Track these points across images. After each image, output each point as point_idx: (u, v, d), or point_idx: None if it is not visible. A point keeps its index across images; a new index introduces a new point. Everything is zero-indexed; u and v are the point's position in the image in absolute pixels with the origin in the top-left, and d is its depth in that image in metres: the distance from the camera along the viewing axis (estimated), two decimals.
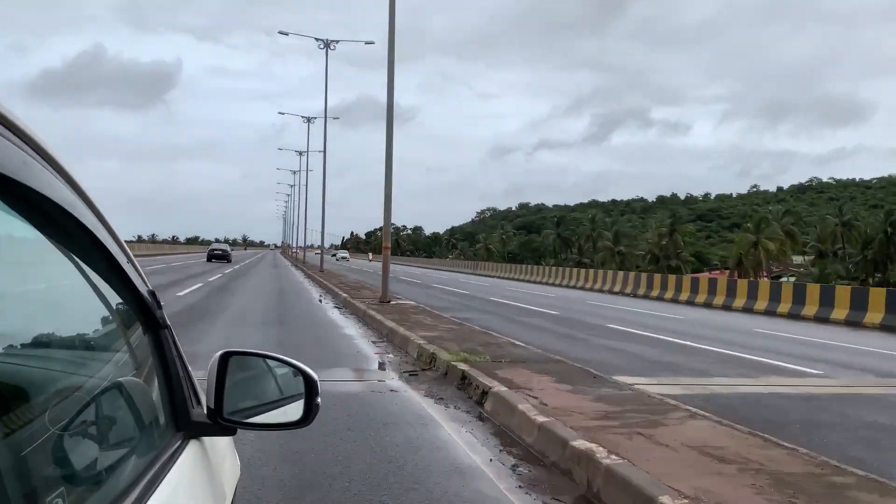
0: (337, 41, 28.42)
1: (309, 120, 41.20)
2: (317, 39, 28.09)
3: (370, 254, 62.90)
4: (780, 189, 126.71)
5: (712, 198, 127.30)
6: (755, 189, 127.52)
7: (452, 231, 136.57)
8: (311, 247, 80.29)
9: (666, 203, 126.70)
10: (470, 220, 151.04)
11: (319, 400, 1.14)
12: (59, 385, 0.86)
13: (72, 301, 0.98)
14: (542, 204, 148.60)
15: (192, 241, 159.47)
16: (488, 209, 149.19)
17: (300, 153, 52.08)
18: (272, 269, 35.98)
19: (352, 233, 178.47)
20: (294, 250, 78.38)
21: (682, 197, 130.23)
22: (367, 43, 27.71)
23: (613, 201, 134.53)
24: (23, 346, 0.81)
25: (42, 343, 0.86)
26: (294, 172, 64.21)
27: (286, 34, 28.33)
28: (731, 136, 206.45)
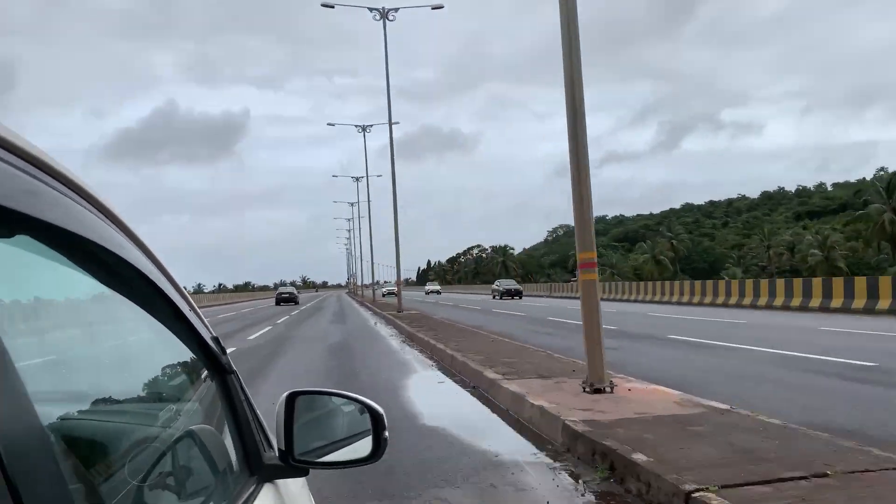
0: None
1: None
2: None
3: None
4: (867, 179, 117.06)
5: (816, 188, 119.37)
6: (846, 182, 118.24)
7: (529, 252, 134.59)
8: (378, 283, 76.43)
9: (775, 199, 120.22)
10: (543, 240, 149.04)
11: (387, 434, 1.19)
12: (134, 438, 0.93)
13: (141, 354, 1.08)
14: (622, 215, 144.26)
15: (242, 289, 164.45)
16: (561, 226, 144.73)
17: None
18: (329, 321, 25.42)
19: (428, 262, 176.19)
20: (360, 287, 75.49)
21: (793, 189, 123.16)
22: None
23: (711, 202, 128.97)
24: (98, 401, 0.90)
25: (116, 398, 0.95)
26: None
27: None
28: (807, 132, 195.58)
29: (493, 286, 47.21)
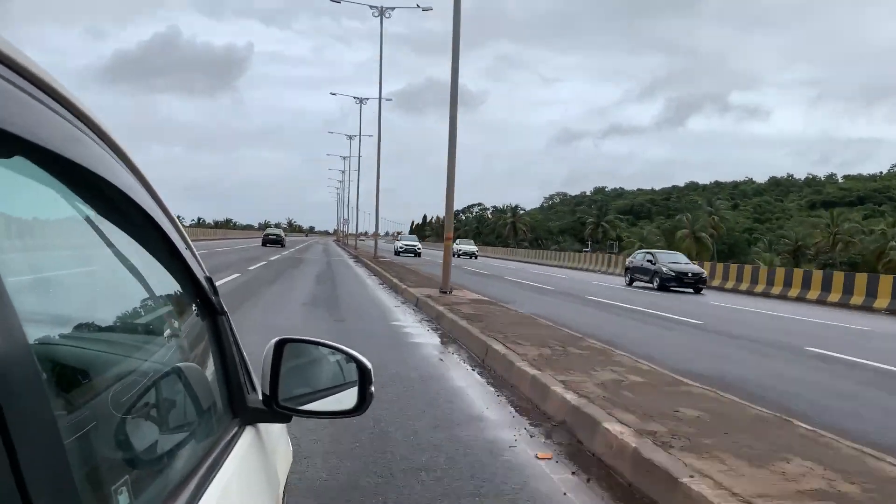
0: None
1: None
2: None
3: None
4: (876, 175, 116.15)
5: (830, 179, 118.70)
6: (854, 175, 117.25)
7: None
8: (366, 234, 79.42)
9: (783, 185, 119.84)
10: (539, 205, 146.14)
11: (373, 388, 1.22)
12: (120, 368, 0.94)
13: (131, 284, 1.08)
14: (621, 188, 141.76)
15: (223, 226, 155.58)
16: (557, 194, 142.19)
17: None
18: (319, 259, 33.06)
19: (425, 217, 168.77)
20: (345, 237, 78.62)
21: (801, 177, 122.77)
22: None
23: (717, 183, 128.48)
24: (83, 327, 0.89)
25: (102, 326, 0.95)
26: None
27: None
28: (813, 122, 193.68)
29: (455, 246, 42.95)
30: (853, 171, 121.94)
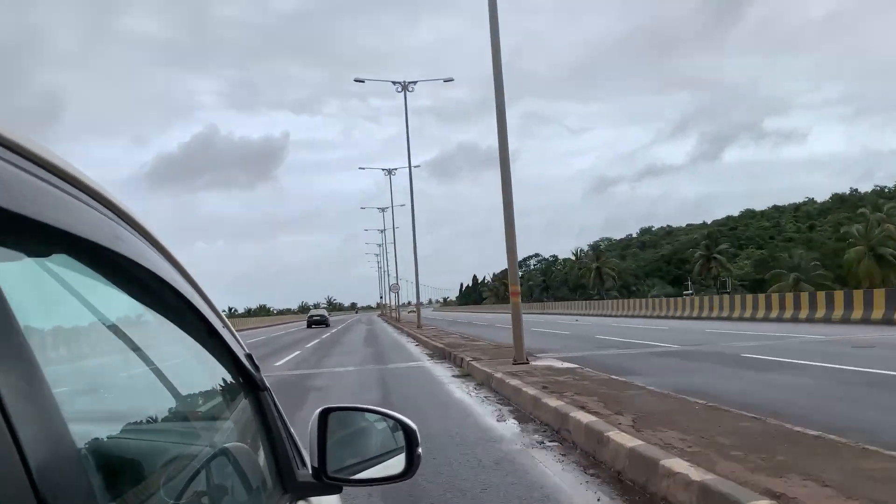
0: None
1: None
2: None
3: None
4: None
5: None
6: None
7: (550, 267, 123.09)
8: (409, 304, 78.80)
9: (847, 202, 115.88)
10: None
11: (420, 450, 1.23)
12: (168, 456, 0.98)
13: (175, 371, 1.14)
14: (668, 226, 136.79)
15: (257, 313, 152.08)
16: (602, 240, 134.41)
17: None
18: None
19: (475, 278, 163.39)
20: (390, 309, 77.57)
21: (866, 189, 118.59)
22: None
23: (776, 207, 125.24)
24: (134, 421, 0.94)
25: (151, 416, 1.00)
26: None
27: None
28: (854, 138, 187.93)
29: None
30: None
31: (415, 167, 34.39)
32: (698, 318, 29.21)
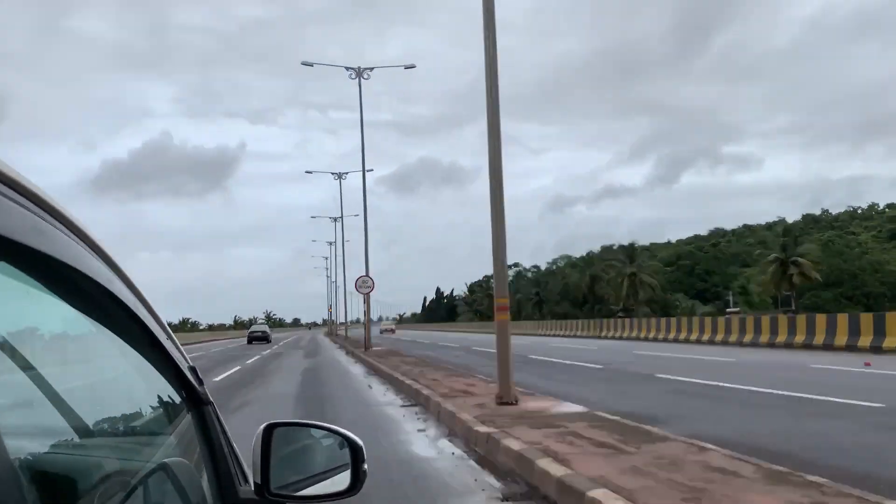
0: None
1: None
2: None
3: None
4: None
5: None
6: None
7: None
8: (358, 321, 76.15)
9: (821, 222, 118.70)
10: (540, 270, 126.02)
11: (366, 467, 1.25)
12: (106, 472, 0.97)
13: (116, 383, 1.15)
14: (632, 243, 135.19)
15: (177, 329, 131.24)
16: (561, 257, 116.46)
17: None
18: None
19: (439, 291, 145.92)
20: (336, 326, 74.41)
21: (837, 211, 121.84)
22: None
23: (746, 226, 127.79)
24: (70, 436, 0.94)
25: (89, 431, 0.99)
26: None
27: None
28: (807, 165, 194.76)
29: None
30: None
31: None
32: (806, 346, 21.72)
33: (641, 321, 36.59)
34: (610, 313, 66.96)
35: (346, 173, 40.78)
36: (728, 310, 62.84)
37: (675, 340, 29.26)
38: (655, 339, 31.15)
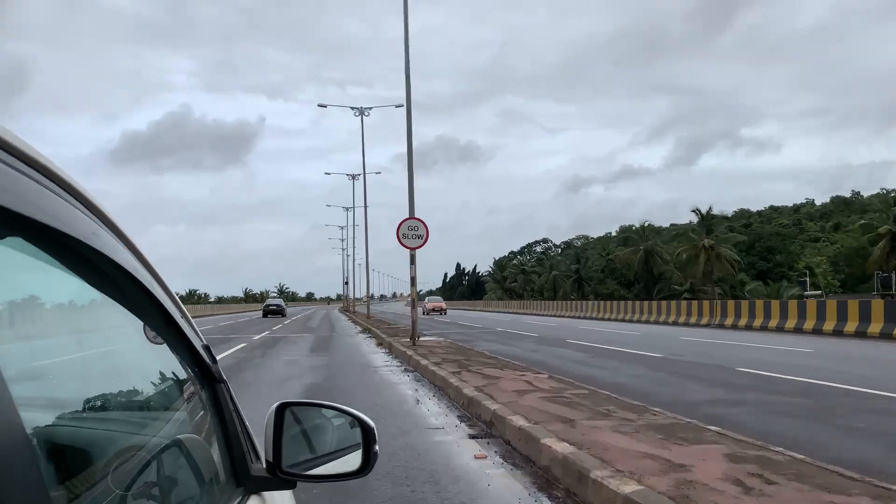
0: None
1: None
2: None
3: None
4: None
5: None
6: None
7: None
8: (372, 297, 78.94)
9: (851, 206, 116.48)
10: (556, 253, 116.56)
11: (377, 448, 1.26)
12: (120, 446, 1.00)
13: (130, 360, 1.15)
14: (650, 224, 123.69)
15: (185, 300, 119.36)
16: (578, 237, 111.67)
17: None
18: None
19: (458, 266, 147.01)
20: (353, 303, 78.44)
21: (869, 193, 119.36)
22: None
23: (773, 207, 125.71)
24: (84, 409, 0.95)
25: (103, 405, 1.01)
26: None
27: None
28: (828, 150, 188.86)
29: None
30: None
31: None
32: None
33: (725, 304, 27.44)
34: (671, 294, 57.14)
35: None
36: (805, 293, 53.04)
37: (765, 329, 23.28)
38: (750, 328, 23.97)
